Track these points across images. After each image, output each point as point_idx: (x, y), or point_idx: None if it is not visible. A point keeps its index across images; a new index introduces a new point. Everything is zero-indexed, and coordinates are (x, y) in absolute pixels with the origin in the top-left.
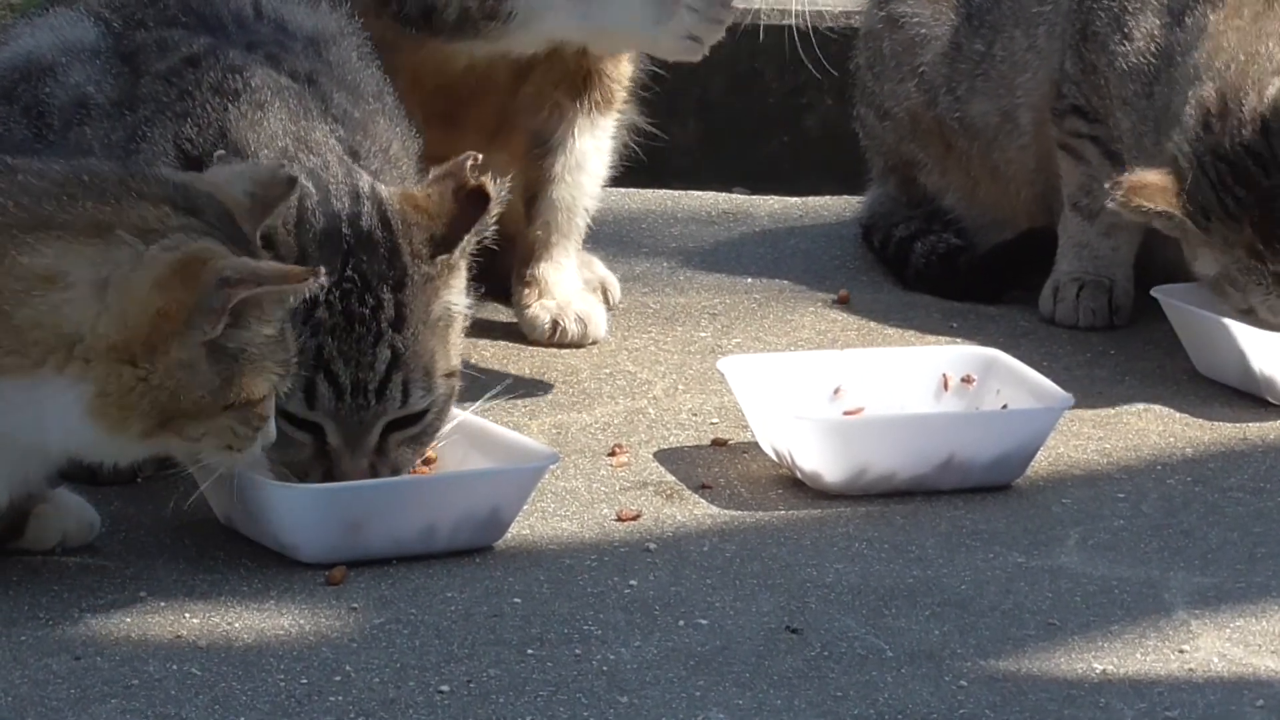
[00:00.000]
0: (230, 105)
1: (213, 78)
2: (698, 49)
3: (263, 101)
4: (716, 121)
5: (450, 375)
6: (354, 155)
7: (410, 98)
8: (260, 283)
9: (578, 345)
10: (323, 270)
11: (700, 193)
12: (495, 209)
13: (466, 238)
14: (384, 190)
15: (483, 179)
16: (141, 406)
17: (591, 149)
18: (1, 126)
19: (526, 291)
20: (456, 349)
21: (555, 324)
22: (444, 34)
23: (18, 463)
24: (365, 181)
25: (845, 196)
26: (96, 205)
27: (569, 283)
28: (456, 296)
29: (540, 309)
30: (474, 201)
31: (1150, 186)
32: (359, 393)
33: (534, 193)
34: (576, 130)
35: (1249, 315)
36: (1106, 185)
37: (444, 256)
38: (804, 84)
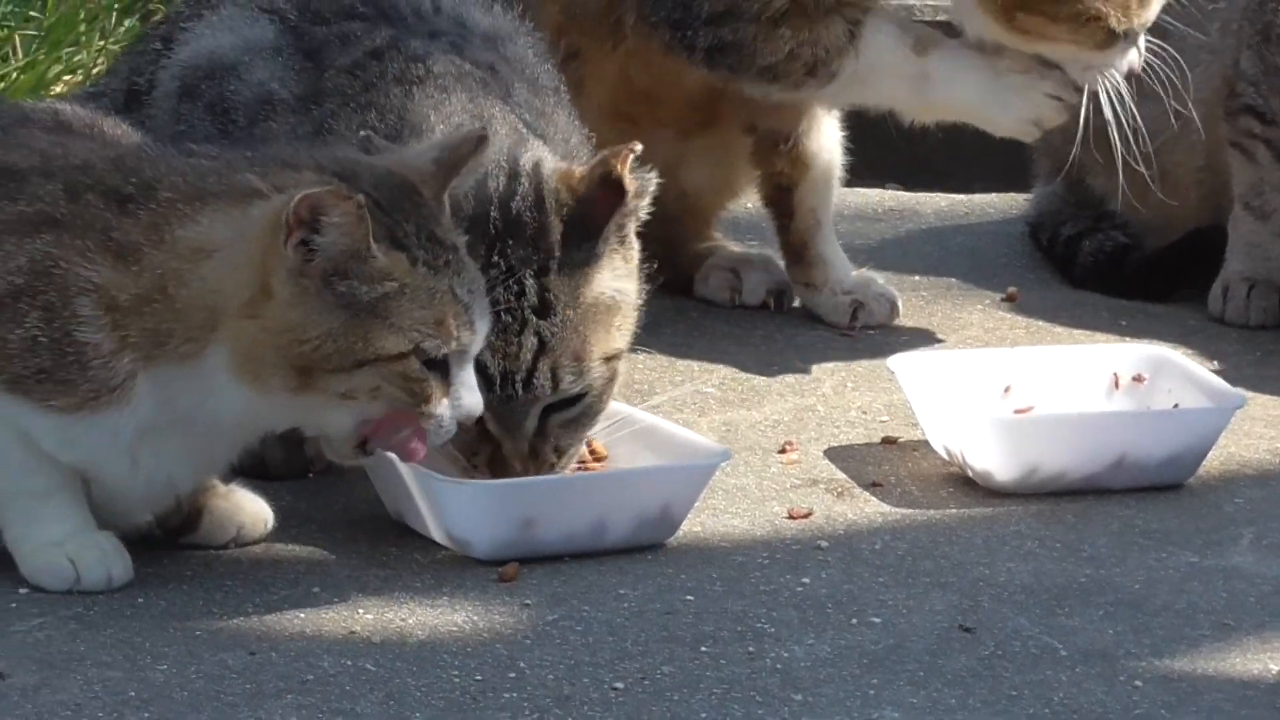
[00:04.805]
0: (415, 89)
1: (396, 68)
2: (1036, 132)
3: (446, 86)
4: (868, 117)
5: (611, 359)
6: (539, 139)
7: (611, 97)
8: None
9: (881, 325)
10: (360, 198)
11: (864, 190)
12: (635, 201)
13: (609, 227)
14: (547, 166)
15: (622, 170)
16: (269, 357)
17: (832, 125)
18: (184, 124)
19: (814, 273)
20: (620, 333)
21: (857, 307)
22: (743, 76)
23: (201, 447)
24: (529, 157)
25: (1010, 194)
26: (251, 176)
27: (839, 252)
28: (613, 282)
29: (839, 296)
30: (611, 190)
31: None
32: (507, 383)
33: (786, 184)
34: (819, 111)
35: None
36: None
37: (589, 244)
38: None
